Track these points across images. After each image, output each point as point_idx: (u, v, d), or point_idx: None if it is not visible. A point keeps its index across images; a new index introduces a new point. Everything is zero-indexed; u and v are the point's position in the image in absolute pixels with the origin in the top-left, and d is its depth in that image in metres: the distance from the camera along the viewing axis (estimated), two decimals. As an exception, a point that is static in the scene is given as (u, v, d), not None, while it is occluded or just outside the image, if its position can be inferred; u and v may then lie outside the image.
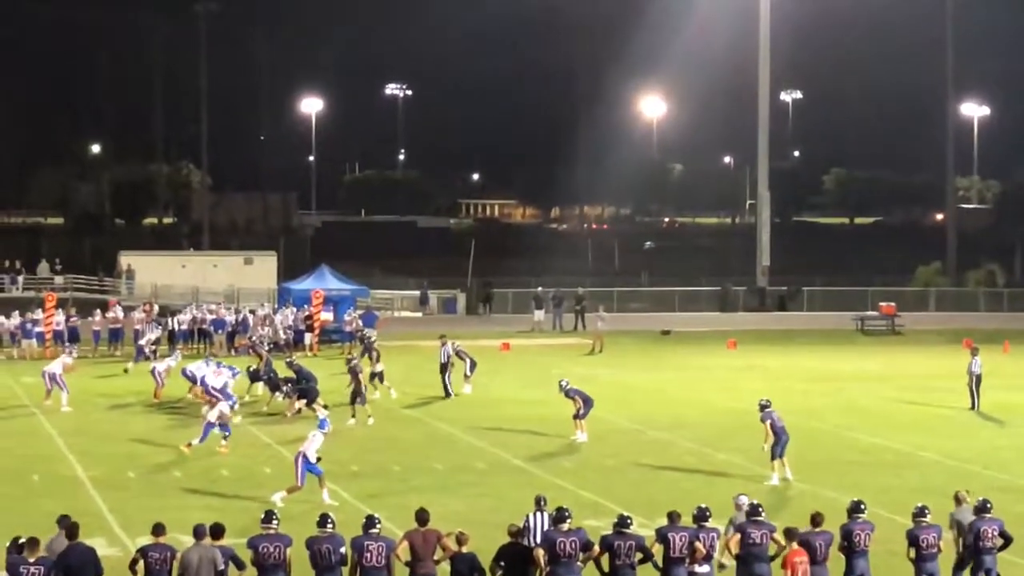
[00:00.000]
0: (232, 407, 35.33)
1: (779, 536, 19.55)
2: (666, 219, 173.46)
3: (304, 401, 37.81)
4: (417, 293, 78.39)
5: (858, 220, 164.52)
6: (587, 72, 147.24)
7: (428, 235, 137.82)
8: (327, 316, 58.71)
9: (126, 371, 47.06)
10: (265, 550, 18.53)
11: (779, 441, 29.80)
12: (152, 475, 30.45)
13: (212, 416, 32.92)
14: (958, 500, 21.06)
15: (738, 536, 19.62)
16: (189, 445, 32.46)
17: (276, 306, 61.66)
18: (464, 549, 18.74)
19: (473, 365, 43.79)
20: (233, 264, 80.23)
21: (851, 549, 19.64)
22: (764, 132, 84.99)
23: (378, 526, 18.72)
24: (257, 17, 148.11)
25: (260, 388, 40.87)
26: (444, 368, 42.97)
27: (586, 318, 65.84)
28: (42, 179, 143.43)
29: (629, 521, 19.31)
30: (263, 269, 79.13)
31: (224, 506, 26.59)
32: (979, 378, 41.72)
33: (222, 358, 51.79)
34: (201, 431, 32.82)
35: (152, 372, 41.42)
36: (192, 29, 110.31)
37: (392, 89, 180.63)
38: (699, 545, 19.31)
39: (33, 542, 17.64)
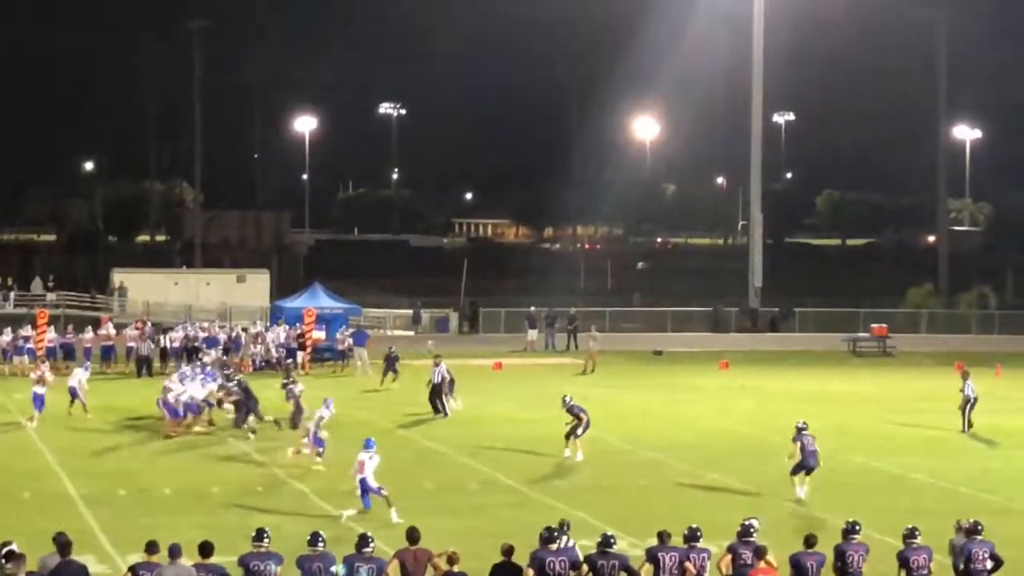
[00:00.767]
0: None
1: (771, 557, 19.56)
2: (659, 239, 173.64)
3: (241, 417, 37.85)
4: (410, 312, 78.34)
5: (850, 241, 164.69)
6: (580, 92, 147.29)
7: (421, 254, 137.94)
8: (319, 334, 58.64)
9: None
10: (256, 568, 18.50)
11: (804, 463, 29.93)
12: (143, 493, 30.41)
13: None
14: (959, 528, 21.02)
15: (729, 556, 19.63)
16: (300, 453, 32.67)
17: (268, 324, 61.63)
18: (455, 568, 18.72)
19: (452, 383, 43.72)
20: (226, 282, 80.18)
21: (845, 570, 19.63)
22: (757, 153, 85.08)
23: (371, 545, 18.70)
24: (251, 35, 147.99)
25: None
26: (438, 389, 42.88)
27: (579, 338, 65.84)
28: (35, 196, 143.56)
29: (613, 540, 19.32)
30: (256, 287, 79.08)
31: (215, 524, 26.55)
32: (972, 401, 41.61)
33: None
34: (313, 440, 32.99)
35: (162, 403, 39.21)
36: (185, 47, 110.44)
37: (386, 108, 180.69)
38: (689, 565, 19.31)
39: (17, 556, 17.46)
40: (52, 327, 56.17)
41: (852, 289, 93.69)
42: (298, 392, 38.14)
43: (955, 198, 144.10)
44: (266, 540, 18.81)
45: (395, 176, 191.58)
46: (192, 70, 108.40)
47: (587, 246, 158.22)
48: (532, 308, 70.91)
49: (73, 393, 41.02)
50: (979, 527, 20.38)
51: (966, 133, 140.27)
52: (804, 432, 30.38)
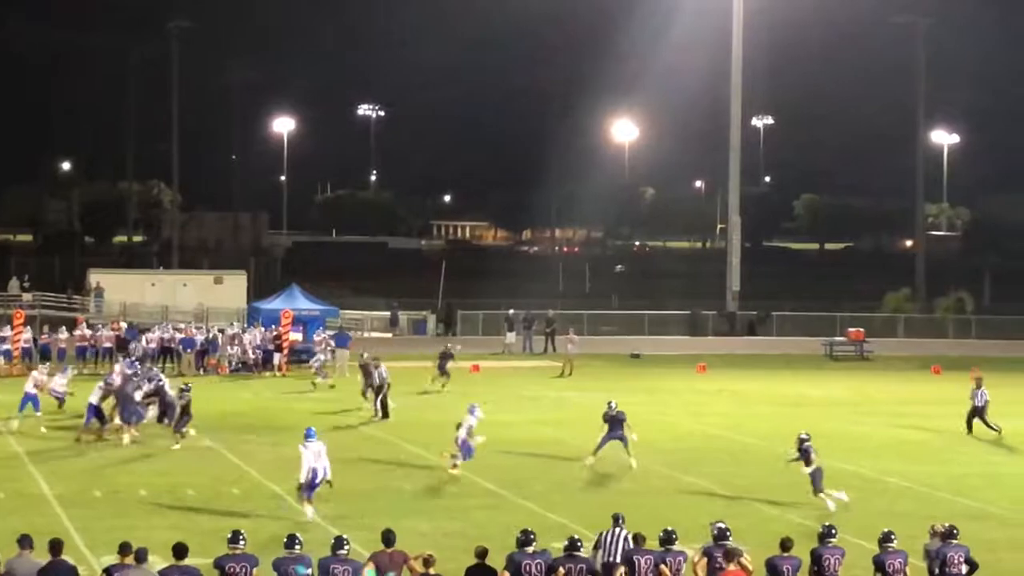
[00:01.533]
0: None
1: (747, 560, 19.56)
2: (637, 243, 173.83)
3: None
4: (387, 314, 78.26)
5: (828, 246, 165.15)
6: (559, 96, 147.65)
7: (399, 256, 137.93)
8: (296, 336, 58.53)
9: None
10: (232, 570, 18.42)
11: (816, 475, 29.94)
12: (118, 494, 30.30)
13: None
14: (934, 532, 21.05)
15: (704, 560, 19.62)
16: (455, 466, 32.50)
17: (246, 325, 61.53)
18: (432, 571, 18.69)
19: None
20: (203, 283, 79.98)
21: (821, 574, 19.64)
22: (735, 157, 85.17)
23: (346, 547, 18.64)
24: (230, 37, 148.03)
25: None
26: (380, 390, 42.50)
27: (556, 341, 65.84)
28: (12, 196, 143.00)
29: (580, 544, 19.32)
30: (233, 288, 78.88)
31: (191, 526, 26.47)
32: (979, 409, 41.52)
33: (190, 378, 51.69)
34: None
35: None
36: (164, 48, 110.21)
37: (365, 110, 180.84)
38: (664, 568, 19.31)
39: None
40: (28, 327, 55.93)
41: (830, 293, 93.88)
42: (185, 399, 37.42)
43: (933, 203, 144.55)
44: (242, 542, 18.73)
45: (373, 178, 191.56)
46: (171, 71, 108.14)
47: (565, 249, 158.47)
48: (510, 311, 70.90)
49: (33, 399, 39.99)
50: (954, 531, 20.39)
51: (944, 138, 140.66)
52: (807, 443, 30.06)
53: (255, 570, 18.53)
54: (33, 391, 39.64)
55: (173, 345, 55.50)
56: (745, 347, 72.88)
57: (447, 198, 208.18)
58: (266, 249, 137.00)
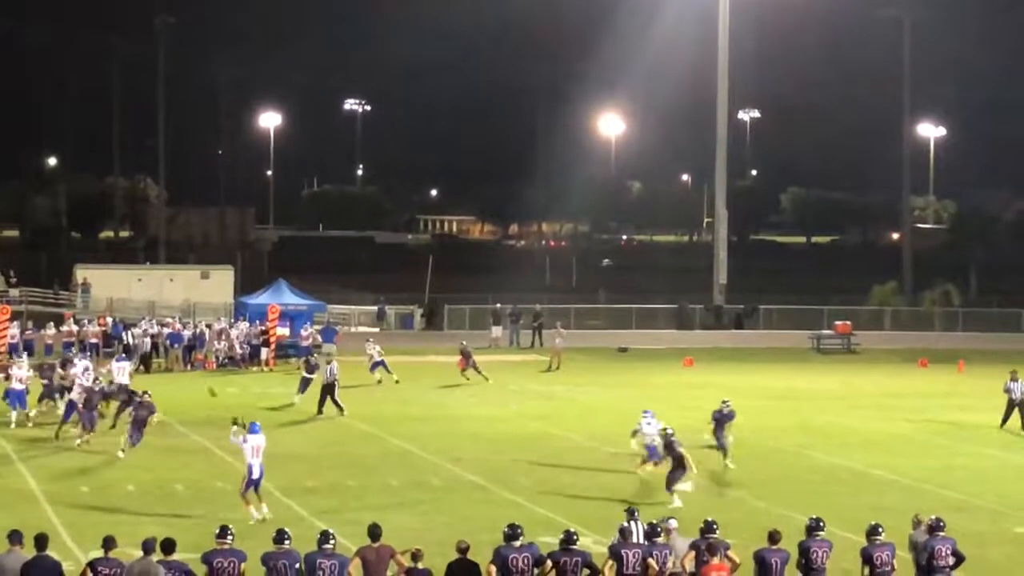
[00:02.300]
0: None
1: (733, 554, 19.59)
2: (624, 237, 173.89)
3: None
4: (374, 308, 78.23)
5: (815, 239, 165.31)
6: (546, 90, 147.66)
7: (386, 251, 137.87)
8: (283, 331, 58.48)
9: None
10: (220, 565, 18.42)
11: None
12: (106, 489, 30.28)
13: None
14: (917, 522, 21.13)
15: (692, 553, 19.64)
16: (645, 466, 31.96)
17: (233, 320, 61.50)
18: (420, 565, 18.70)
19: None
20: (189, 278, 79.92)
21: (808, 567, 19.66)
22: (722, 151, 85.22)
23: (332, 542, 18.64)
24: (216, 32, 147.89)
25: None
26: (331, 387, 42.11)
27: (543, 335, 65.86)
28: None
29: (575, 537, 19.32)
30: (220, 283, 78.82)
31: (178, 521, 26.47)
32: (1017, 403, 41.36)
33: (178, 373, 51.68)
34: None
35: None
36: (150, 43, 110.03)
37: (351, 105, 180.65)
38: (651, 562, 19.33)
39: None
40: (16, 323, 55.85)
41: (816, 286, 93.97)
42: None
43: (919, 196, 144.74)
44: (229, 537, 18.74)
45: (360, 172, 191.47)
46: (157, 66, 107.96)
47: (552, 243, 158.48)
48: (497, 305, 70.91)
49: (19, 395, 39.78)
50: (941, 524, 20.44)
51: (930, 131, 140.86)
52: None
53: (243, 565, 18.53)
54: (18, 387, 39.59)
55: (159, 340, 55.42)
56: (732, 340, 72.94)
57: (433, 192, 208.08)
58: (253, 244, 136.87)
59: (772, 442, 37.36)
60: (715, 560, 19.01)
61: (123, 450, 33.81)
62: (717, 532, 19.80)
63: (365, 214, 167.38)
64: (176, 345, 55.04)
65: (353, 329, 73.74)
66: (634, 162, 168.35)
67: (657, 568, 19.33)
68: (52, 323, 56.75)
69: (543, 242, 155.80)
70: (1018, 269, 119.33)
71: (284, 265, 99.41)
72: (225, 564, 18.43)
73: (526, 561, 18.76)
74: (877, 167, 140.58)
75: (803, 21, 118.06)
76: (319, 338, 56.74)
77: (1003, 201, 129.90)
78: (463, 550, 19.04)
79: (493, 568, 18.70)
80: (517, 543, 18.93)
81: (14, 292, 79.05)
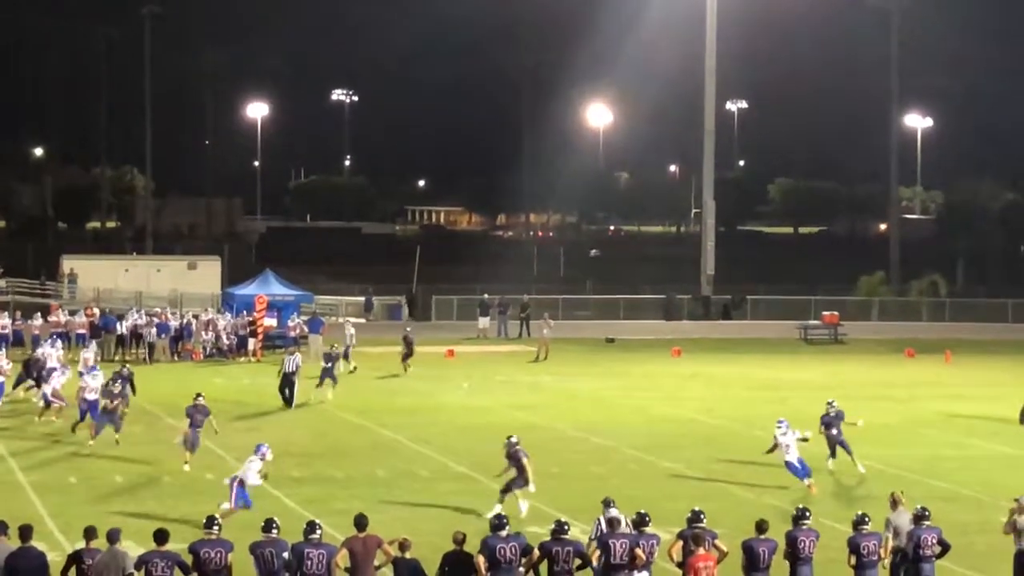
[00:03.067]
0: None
1: (721, 543, 19.63)
2: (612, 227, 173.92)
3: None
4: (362, 299, 78.23)
5: (802, 230, 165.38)
6: (534, 80, 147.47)
7: (373, 241, 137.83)
8: (271, 322, 58.46)
9: None
10: (207, 555, 18.43)
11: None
12: (93, 480, 30.26)
13: None
14: (894, 502, 21.23)
15: (680, 543, 19.66)
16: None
17: (221, 310, 61.50)
18: (407, 555, 18.71)
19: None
20: (176, 269, 79.84)
21: (796, 556, 19.71)
22: (709, 141, 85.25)
23: (318, 532, 18.65)
24: (203, 21, 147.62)
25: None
26: (290, 379, 41.72)
27: (531, 325, 65.88)
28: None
29: (567, 527, 19.33)
30: (207, 274, 78.76)
31: (166, 511, 26.47)
32: None
33: (164, 364, 51.65)
34: None
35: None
36: (137, 33, 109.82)
37: (338, 95, 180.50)
38: (639, 551, 19.35)
39: None
40: (5, 313, 55.79)
41: (804, 277, 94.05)
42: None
43: (907, 187, 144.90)
44: (216, 527, 18.73)
45: (347, 163, 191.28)
46: (144, 56, 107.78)
47: (540, 234, 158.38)
48: (485, 295, 70.94)
49: None
50: (926, 513, 20.49)
51: (918, 122, 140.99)
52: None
53: (230, 555, 18.54)
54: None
55: (146, 331, 55.36)
56: (720, 331, 73.03)
57: (421, 183, 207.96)
58: (240, 235, 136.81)
59: (759, 432, 37.32)
60: (701, 550, 19.04)
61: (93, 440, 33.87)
62: (704, 522, 19.82)
63: (353, 205, 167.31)
64: (163, 335, 54.97)
65: (340, 320, 73.72)
66: (622, 153, 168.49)
67: (644, 558, 19.36)
68: (39, 314, 56.61)
69: (531, 233, 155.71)
70: (1005, 260, 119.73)
71: (271, 256, 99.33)
72: (212, 554, 18.44)
73: (513, 551, 18.79)
74: (865, 157, 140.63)
75: (791, 11, 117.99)
76: (305, 329, 56.71)
77: (991, 191, 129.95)
78: (459, 541, 19.07)
79: (481, 559, 18.73)
80: (504, 533, 18.96)
81: (1, 283, 78.92)
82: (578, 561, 19.18)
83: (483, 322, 67.80)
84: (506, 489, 26.75)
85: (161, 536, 18.45)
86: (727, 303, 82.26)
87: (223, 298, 67.99)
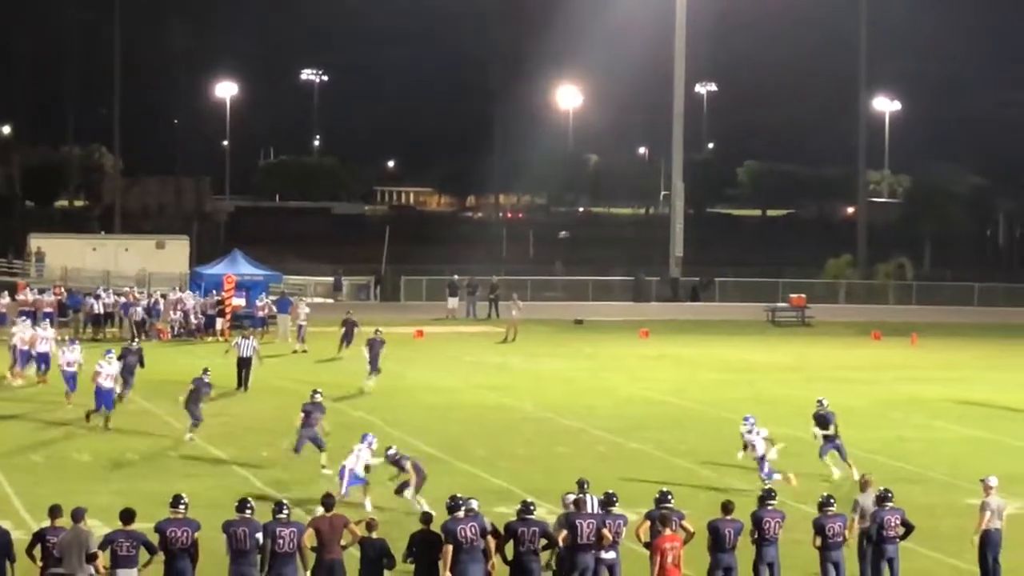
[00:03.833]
0: None
1: (688, 523, 19.71)
2: (581, 209, 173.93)
3: None
4: (331, 279, 78.13)
5: (771, 212, 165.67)
6: (504, 61, 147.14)
7: (343, 222, 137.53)
8: (239, 301, 58.35)
9: None
10: (173, 534, 18.43)
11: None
12: (60, 459, 30.20)
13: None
14: (864, 484, 21.35)
15: (647, 523, 19.73)
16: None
17: (189, 290, 61.36)
18: (374, 535, 18.75)
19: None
20: (145, 248, 79.44)
21: (762, 537, 19.82)
22: (679, 124, 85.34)
23: (286, 511, 18.69)
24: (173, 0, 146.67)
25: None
26: (247, 362, 41.35)
27: (500, 306, 65.90)
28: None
29: (532, 507, 19.40)
30: (175, 253, 78.41)
31: (132, 490, 26.41)
32: None
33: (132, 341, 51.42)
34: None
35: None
36: (106, 11, 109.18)
37: (308, 75, 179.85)
38: (605, 531, 19.43)
39: None
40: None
41: (772, 259, 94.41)
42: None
43: (874, 170, 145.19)
44: (182, 506, 18.74)
45: (317, 143, 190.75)
46: (113, 34, 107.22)
47: (509, 215, 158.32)
48: (454, 276, 70.91)
49: None
50: (889, 494, 20.63)
51: (886, 105, 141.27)
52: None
53: (196, 534, 18.55)
54: None
55: (113, 310, 55.21)
56: (688, 313, 73.14)
57: (391, 164, 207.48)
58: (209, 214, 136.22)
59: (726, 414, 37.47)
60: (668, 531, 19.11)
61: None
62: (671, 502, 19.91)
63: (322, 185, 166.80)
64: (130, 315, 54.78)
65: (309, 300, 73.59)
66: (591, 135, 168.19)
67: (611, 538, 19.45)
68: (6, 292, 56.39)
69: (500, 214, 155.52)
70: (972, 243, 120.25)
71: (240, 235, 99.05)
72: (178, 533, 18.45)
73: (473, 530, 18.86)
74: (833, 141, 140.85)
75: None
76: (274, 308, 56.64)
77: (958, 175, 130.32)
78: (427, 521, 19.12)
79: (450, 548, 18.72)
80: (461, 513, 19.00)
81: (-33, 262, 78.58)
82: (544, 541, 19.26)
83: (452, 302, 67.80)
84: (399, 490, 26.14)
85: (127, 515, 18.45)
86: (695, 285, 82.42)
87: (191, 277, 67.80)
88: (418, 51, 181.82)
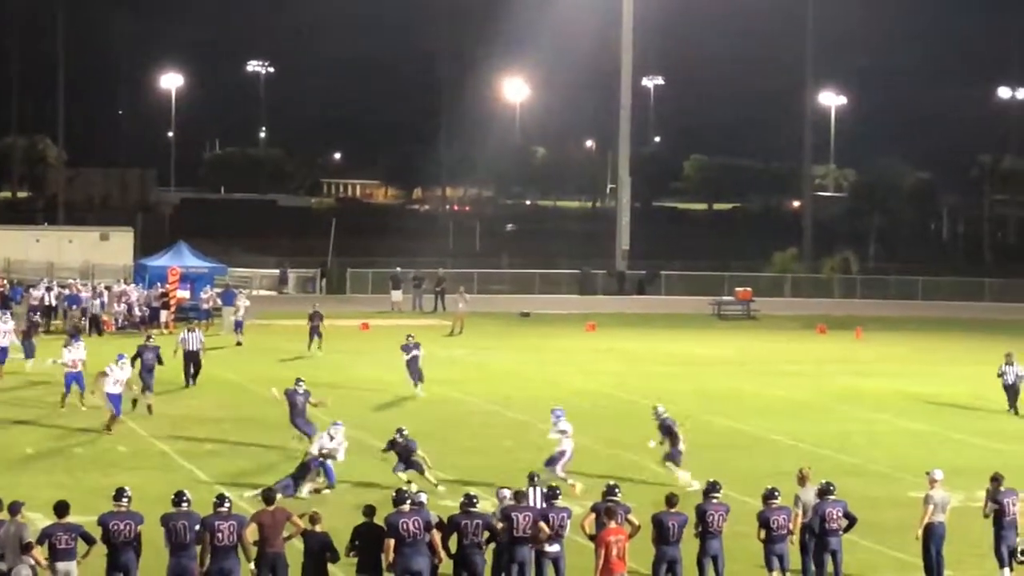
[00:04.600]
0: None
1: (633, 517, 19.74)
2: (528, 202, 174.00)
3: None
4: (276, 272, 77.88)
5: (717, 206, 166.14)
6: (451, 53, 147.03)
7: (288, 214, 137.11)
8: (184, 294, 58.04)
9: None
10: (116, 527, 18.34)
11: None
12: (3, 451, 29.98)
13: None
14: (802, 478, 21.44)
15: (593, 516, 19.75)
16: None
17: (133, 282, 61.00)
18: (318, 528, 18.70)
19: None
20: (89, 239, 78.88)
21: (706, 530, 19.87)
22: (626, 117, 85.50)
23: (227, 504, 18.63)
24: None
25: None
26: (195, 356, 40.85)
27: (446, 299, 65.84)
28: None
29: (476, 500, 19.40)
30: (119, 245, 77.91)
31: (75, 484, 26.30)
32: (1009, 386, 38.91)
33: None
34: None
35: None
36: (50, 1, 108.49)
37: (254, 66, 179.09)
38: (543, 525, 19.41)
39: None
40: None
41: (718, 253, 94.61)
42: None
43: (820, 164, 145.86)
44: (125, 500, 18.65)
45: (263, 135, 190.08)
46: (57, 24, 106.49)
47: (456, 208, 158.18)
48: (397, 269, 70.76)
49: None
50: (831, 487, 20.74)
51: (832, 100, 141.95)
52: None
53: (139, 527, 18.46)
54: None
55: (56, 302, 54.82)
56: (634, 306, 73.29)
57: (337, 156, 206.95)
58: (153, 206, 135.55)
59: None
60: (613, 524, 19.13)
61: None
62: (619, 496, 19.92)
63: (268, 177, 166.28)
64: (74, 307, 54.44)
65: (254, 292, 73.30)
66: (539, 127, 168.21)
67: (550, 532, 19.45)
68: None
69: (447, 207, 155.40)
70: (916, 237, 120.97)
71: (185, 227, 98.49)
72: (121, 527, 18.37)
73: (416, 524, 18.83)
74: (779, 135, 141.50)
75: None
76: (219, 301, 56.40)
77: (902, 170, 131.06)
78: (369, 513, 19.08)
79: (392, 542, 18.68)
80: (405, 507, 18.97)
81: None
82: (487, 534, 19.25)
83: (396, 295, 67.71)
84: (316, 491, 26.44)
85: (61, 508, 18.36)
86: (641, 278, 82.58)
87: (136, 269, 67.40)
88: (365, 43, 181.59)
